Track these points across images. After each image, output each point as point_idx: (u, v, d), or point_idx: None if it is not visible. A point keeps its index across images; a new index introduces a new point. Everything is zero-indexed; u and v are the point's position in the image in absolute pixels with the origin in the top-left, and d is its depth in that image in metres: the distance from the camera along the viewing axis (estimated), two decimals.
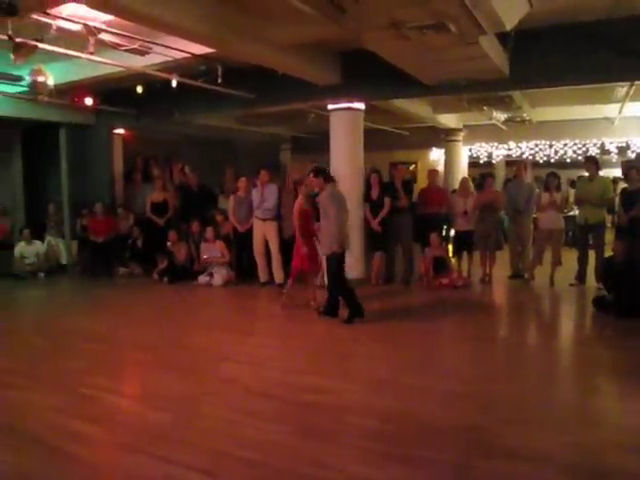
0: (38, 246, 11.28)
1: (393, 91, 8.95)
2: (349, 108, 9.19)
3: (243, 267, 9.83)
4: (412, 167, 16.82)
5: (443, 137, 15.22)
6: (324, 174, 7.05)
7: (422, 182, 12.21)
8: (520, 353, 5.96)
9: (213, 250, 9.79)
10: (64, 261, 11.72)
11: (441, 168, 14.64)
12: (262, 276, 9.42)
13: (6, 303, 9.07)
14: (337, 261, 6.99)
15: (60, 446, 3.79)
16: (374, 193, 9.14)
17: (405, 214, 9.18)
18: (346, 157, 9.31)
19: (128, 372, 5.77)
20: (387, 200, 9.01)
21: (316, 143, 13.84)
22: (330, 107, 9.31)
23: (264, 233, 9.31)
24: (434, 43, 6.06)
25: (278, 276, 9.32)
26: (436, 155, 17.10)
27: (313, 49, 7.76)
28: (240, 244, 9.72)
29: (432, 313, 7.67)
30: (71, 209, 11.77)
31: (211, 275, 9.74)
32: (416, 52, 6.61)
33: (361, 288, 8.94)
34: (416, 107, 11.82)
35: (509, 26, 5.99)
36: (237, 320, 7.59)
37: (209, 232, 9.80)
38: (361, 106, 9.27)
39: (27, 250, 11.15)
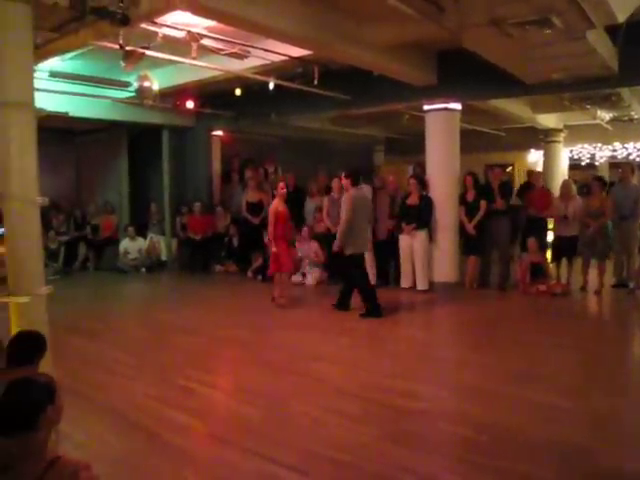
0: (141, 243, 11.87)
1: (491, 91, 8.71)
2: (445, 109, 9.03)
3: (337, 267, 9.83)
4: (509, 169, 16.23)
5: (542, 138, 14.58)
6: (353, 177, 7.41)
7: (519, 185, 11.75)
8: (622, 366, 5.61)
9: (307, 250, 9.89)
10: (164, 257, 12.24)
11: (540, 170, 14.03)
12: None
13: (111, 296, 9.57)
14: (350, 259, 7.42)
15: (158, 433, 3.97)
16: (469, 195, 8.91)
17: (503, 217, 8.85)
18: (442, 159, 9.14)
19: (223, 366, 5.96)
20: (483, 203, 8.76)
21: (410, 144, 13.70)
22: (426, 108, 9.17)
23: None
24: (537, 39, 5.81)
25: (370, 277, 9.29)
26: (534, 157, 16.40)
27: (409, 49, 7.67)
28: (332, 245, 9.72)
29: (528, 320, 7.37)
30: (171, 208, 12.24)
31: (304, 274, 9.85)
32: (517, 49, 6.37)
33: (454, 292, 8.80)
34: (514, 107, 11.41)
35: (622, 17, 5.62)
36: (329, 320, 7.60)
37: (304, 232, 9.91)
38: (457, 106, 9.08)
39: (131, 246, 11.77)
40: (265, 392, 4.82)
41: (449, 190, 9.05)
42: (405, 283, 9.01)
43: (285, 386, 4.95)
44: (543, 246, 8.77)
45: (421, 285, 8.82)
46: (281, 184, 8.14)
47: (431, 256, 8.98)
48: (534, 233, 8.75)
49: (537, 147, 15.61)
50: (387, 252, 9.35)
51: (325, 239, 9.92)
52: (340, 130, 13.99)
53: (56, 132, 13.58)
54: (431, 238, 8.92)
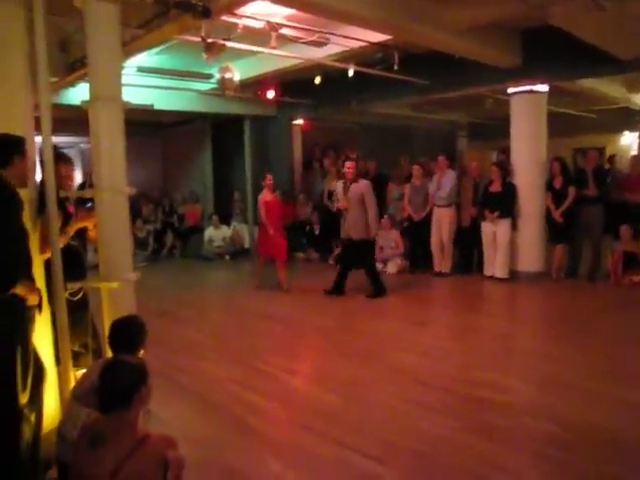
0: (224, 231, 12.20)
1: (581, 70, 8.25)
2: (531, 91, 8.63)
3: (418, 255, 9.73)
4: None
5: (638, 119, 13.77)
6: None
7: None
8: None
9: (388, 239, 9.84)
10: (247, 245, 12.51)
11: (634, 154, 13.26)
12: (437, 265, 9.28)
13: (197, 283, 9.88)
14: (371, 246, 8.07)
15: (240, 416, 4.10)
16: (557, 182, 8.55)
17: (596, 204, 8.37)
18: (527, 144, 8.79)
19: (304, 353, 6.03)
20: (571, 189, 8.38)
21: (494, 129, 13.28)
22: (510, 91, 8.82)
23: (440, 220, 9.16)
24: (634, 11, 5.45)
25: (445, 265, 9.19)
26: (628, 140, 15.53)
27: (492, 30, 7.39)
28: (415, 233, 9.65)
29: (619, 314, 6.99)
30: (254, 196, 12.44)
31: (384, 263, 9.81)
32: (611, 24, 6.02)
33: (539, 282, 8.50)
34: (607, 87, 10.79)
35: None
36: (411, 310, 7.55)
37: (384, 221, 9.86)
38: (544, 88, 8.66)
39: (215, 234, 12.13)
40: (346, 380, 4.85)
41: (535, 176, 8.71)
42: (488, 271, 8.79)
43: (366, 375, 4.96)
44: (637, 234, 8.28)
45: (501, 273, 8.59)
46: (269, 177, 8.77)
47: (515, 244, 8.70)
48: (628, 220, 8.30)
49: (632, 129, 14.77)
50: (470, 239, 9.17)
51: (407, 228, 9.85)
52: (421, 116, 13.76)
53: (143, 125, 14.12)
54: (514, 226, 8.64)
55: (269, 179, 8.76)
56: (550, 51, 7.86)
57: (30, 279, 3.05)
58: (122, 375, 2.54)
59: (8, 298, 2.90)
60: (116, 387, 2.50)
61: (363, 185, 7.86)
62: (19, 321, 3.02)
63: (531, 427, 3.85)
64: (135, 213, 13.23)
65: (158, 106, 9.93)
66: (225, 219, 12.50)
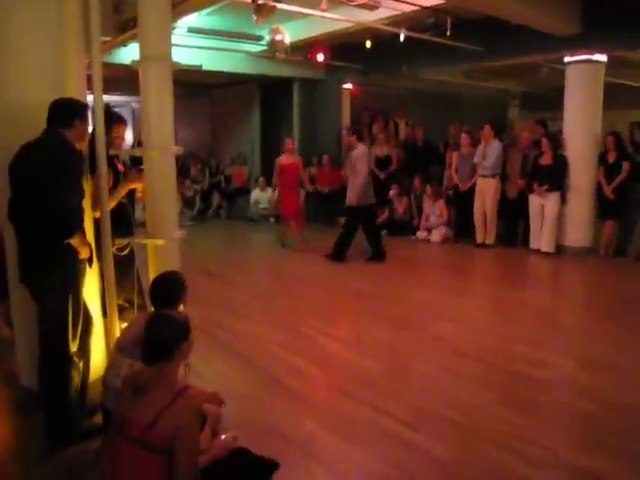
0: (270, 193, 12.26)
1: None
2: (589, 60, 8.31)
3: (463, 225, 9.62)
4: None
5: None
6: (357, 133, 8.19)
7: None
8: None
9: (434, 208, 9.77)
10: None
11: None
12: (479, 236, 9.18)
13: (242, 244, 10.03)
14: (355, 214, 8.13)
15: (278, 376, 4.20)
16: (610, 157, 8.29)
17: None
18: (582, 116, 8.50)
19: (345, 318, 6.09)
20: (625, 165, 8.12)
21: (547, 100, 12.85)
22: (567, 60, 8.50)
23: (484, 191, 9.02)
24: None
25: (489, 236, 9.08)
26: None
27: None
28: (461, 202, 9.53)
29: None
30: (302, 160, 12.44)
31: (429, 231, 9.76)
32: None
33: (586, 258, 8.32)
34: None
35: None
36: (453, 279, 7.50)
37: (429, 189, 9.78)
38: (603, 58, 8.32)
39: (261, 196, 12.25)
40: (385, 346, 4.91)
41: (588, 150, 8.45)
42: (534, 244, 8.65)
43: (405, 342, 5.01)
44: None
45: (547, 247, 8.44)
46: (289, 141, 9.29)
47: (563, 218, 8.52)
48: None
49: None
50: (517, 211, 9.01)
51: (453, 197, 9.74)
52: (473, 84, 13.42)
53: (193, 86, 14.21)
54: (564, 199, 8.44)
55: (289, 143, 9.19)
56: (610, 19, 7.54)
57: (83, 233, 3.20)
58: (166, 329, 2.64)
59: (64, 248, 3.05)
60: (160, 340, 2.60)
61: (358, 151, 8.00)
62: (72, 272, 3.17)
63: (568, 404, 3.82)
64: (184, 173, 13.47)
65: (207, 67, 9.94)
66: (271, 182, 12.55)
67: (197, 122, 15.79)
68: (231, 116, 14.42)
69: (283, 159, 9.13)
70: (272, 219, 11.99)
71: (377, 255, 8.17)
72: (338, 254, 8.13)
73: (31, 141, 3.07)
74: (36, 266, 3.10)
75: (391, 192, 10.38)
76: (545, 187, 8.32)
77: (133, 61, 3.44)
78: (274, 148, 13.07)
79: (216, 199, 13.02)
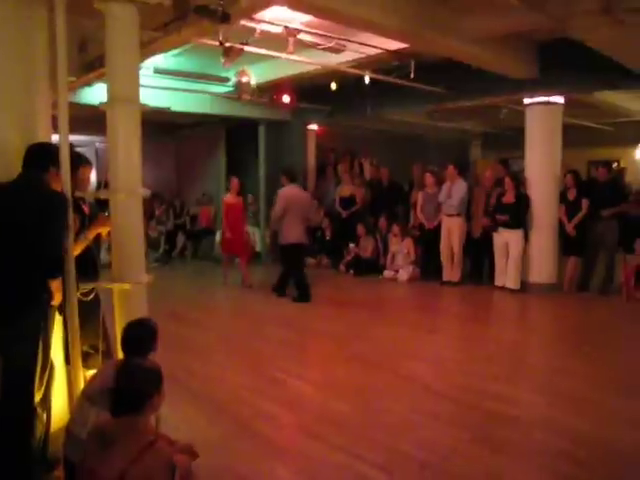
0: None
1: (598, 83, 8.17)
2: (547, 102, 8.60)
3: (429, 264, 9.68)
4: (614, 165, 15.25)
5: None
6: (286, 174, 8.36)
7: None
8: None
9: (400, 247, 9.83)
10: (258, 248, 12.50)
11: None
12: (446, 274, 9.24)
13: (208, 286, 9.85)
14: (281, 252, 8.50)
15: (249, 421, 4.10)
16: (570, 194, 8.50)
17: (610, 218, 8.30)
18: (542, 155, 8.74)
19: (314, 360, 6.02)
20: (585, 202, 8.33)
21: (508, 139, 13.24)
22: (526, 101, 8.78)
23: (450, 230, 9.13)
24: None
25: (455, 275, 9.14)
26: None
27: (509, 40, 7.35)
28: (427, 240, 9.62)
29: (631, 328, 6.93)
30: (267, 200, 12.44)
31: (397, 270, 9.79)
32: (629, 37, 5.96)
33: (550, 294, 8.44)
34: (624, 100, 10.73)
35: None
36: (422, 318, 7.52)
37: (395, 229, 9.85)
38: (560, 100, 8.62)
39: None
40: (355, 387, 4.84)
41: (549, 188, 8.66)
42: (499, 281, 8.76)
43: (375, 382, 4.95)
44: None
45: (512, 284, 8.55)
46: (234, 180, 9.45)
47: (527, 255, 8.65)
48: None
49: None
50: (481, 249, 9.14)
51: (419, 235, 9.83)
52: (436, 124, 13.74)
53: (158, 126, 14.15)
54: (526, 237, 8.59)
55: (234, 182, 9.42)
56: (567, 63, 7.80)
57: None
58: (137, 380, 2.55)
59: (41, 292, 2.97)
60: (130, 392, 2.51)
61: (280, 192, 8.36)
62: (45, 316, 3.07)
63: (542, 441, 3.80)
64: (147, 213, 13.34)
65: (175, 108, 9.97)
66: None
67: (162, 162, 15.71)
68: (197, 156, 14.40)
69: (228, 198, 9.42)
70: (237, 259, 11.87)
71: (302, 296, 8.16)
72: (280, 288, 8.39)
73: (6, 183, 3.02)
74: (8, 311, 2.96)
75: (358, 231, 10.44)
76: (505, 217, 8.47)
77: (101, 102, 3.40)
78: (240, 188, 13.08)
79: (181, 240, 12.88)
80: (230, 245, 9.39)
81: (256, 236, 12.55)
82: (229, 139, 13.47)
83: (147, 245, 11.95)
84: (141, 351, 3.08)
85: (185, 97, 10.08)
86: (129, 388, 2.54)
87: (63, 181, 3.21)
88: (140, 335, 3.14)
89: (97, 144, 13.14)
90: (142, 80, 8.44)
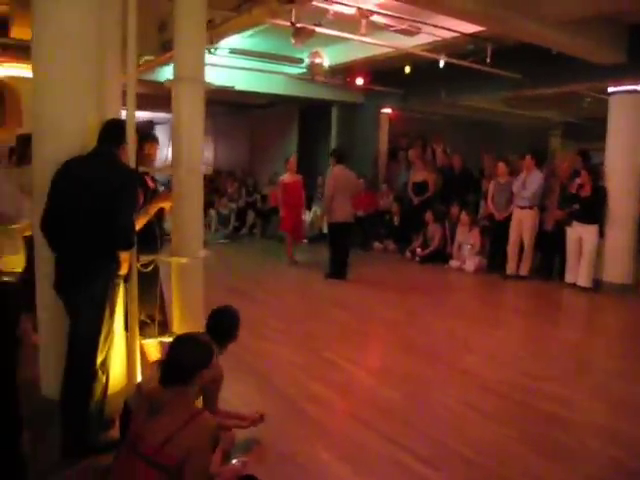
0: (305, 215, 12.26)
1: None
2: (634, 91, 8.13)
3: (498, 255, 9.44)
4: None
5: None
6: (335, 155, 8.63)
7: None
8: None
9: (468, 236, 9.64)
10: (325, 230, 12.53)
11: None
12: (509, 267, 8.97)
13: (273, 264, 9.97)
14: (329, 230, 8.59)
15: (299, 402, 4.13)
16: None
17: None
18: (624, 147, 8.30)
19: (371, 345, 5.99)
20: None
21: (590, 130, 12.67)
22: (611, 90, 8.34)
23: (521, 222, 8.85)
24: None
25: (524, 268, 8.87)
26: None
27: (594, 24, 6.98)
28: (497, 232, 9.37)
29: None
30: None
31: (463, 260, 9.62)
32: None
33: (625, 295, 8.06)
34: None
35: None
36: (484, 310, 7.37)
37: (464, 217, 9.66)
38: None
39: None
40: (408, 377, 4.81)
41: (630, 182, 8.24)
42: (569, 278, 8.42)
43: (430, 374, 4.88)
44: None
45: (584, 282, 8.18)
46: (292, 159, 9.59)
47: (601, 252, 8.28)
48: None
49: None
50: (553, 243, 8.80)
51: (488, 226, 9.60)
52: (513, 112, 13.31)
53: (234, 106, 14.45)
54: (602, 233, 8.22)
55: (291, 161, 9.49)
56: None
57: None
58: (188, 354, 2.64)
59: (109, 262, 3.14)
60: (181, 364, 2.60)
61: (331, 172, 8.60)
62: (112, 285, 3.22)
63: (594, 449, 3.65)
64: (221, 191, 13.65)
65: (243, 87, 10.11)
66: (307, 203, 12.59)
67: (236, 141, 16.03)
68: (270, 136, 14.58)
69: (286, 178, 9.47)
70: (305, 240, 11.97)
71: (336, 273, 8.31)
72: (335, 272, 8.34)
73: (82, 157, 3.19)
74: (80, 277, 3.13)
75: (427, 218, 10.29)
76: (577, 206, 8.17)
77: (166, 80, 3.49)
78: (311, 170, 13.15)
79: (251, 218, 13.10)
80: (285, 223, 9.57)
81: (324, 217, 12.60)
82: (302, 120, 13.56)
83: (217, 221, 12.29)
84: (225, 337, 3.32)
85: (259, 77, 10.20)
86: (179, 360, 2.63)
87: (128, 156, 3.34)
88: (227, 322, 3.38)
89: None
90: (218, 60, 8.66)
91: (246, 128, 15.76)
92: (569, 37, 6.99)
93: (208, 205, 12.84)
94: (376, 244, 11.52)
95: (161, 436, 2.41)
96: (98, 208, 3.05)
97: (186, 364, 2.60)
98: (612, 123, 8.47)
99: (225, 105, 14.82)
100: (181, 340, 2.76)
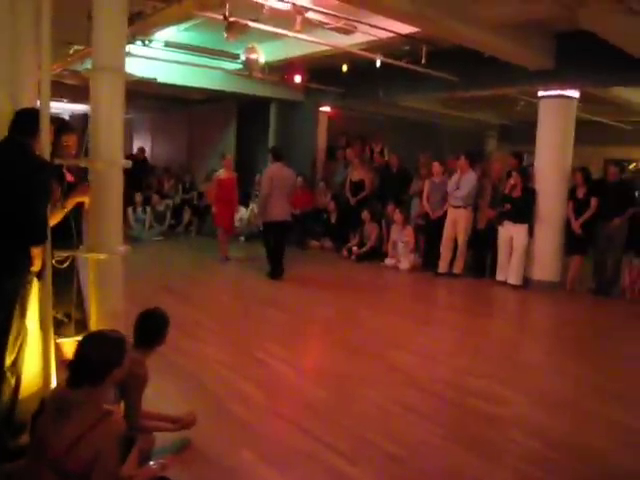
0: (242, 212, 12.14)
1: (614, 77, 7.98)
2: (561, 96, 8.41)
3: (432, 254, 9.55)
4: (632, 166, 14.94)
5: None
6: (272, 152, 8.67)
7: None
8: None
9: (402, 234, 9.73)
10: (262, 228, 12.44)
11: None
12: (441, 265, 9.11)
13: (208, 262, 9.79)
14: (265, 229, 8.56)
15: (225, 402, 4.07)
16: (580, 192, 8.34)
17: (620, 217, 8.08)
18: (553, 149, 8.57)
19: (301, 343, 5.93)
20: (594, 201, 8.16)
21: (524, 132, 12.99)
22: (540, 94, 8.60)
23: (455, 221, 9.00)
24: None
25: (457, 266, 9.05)
26: None
27: (524, 29, 7.17)
28: (431, 230, 9.50)
29: (632, 331, 6.81)
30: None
31: (398, 258, 9.70)
32: None
33: (552, 292, 8.32)
34: None
35: None
36: (416, 308, 7.45)
37: (398, 216, 9.75)
38: (575, 94, 8.43)
39: None
40: (337, 374, 4.81)
41: (557, 184, 8.50)
42: (500, 276, 8.63)
43: (358, 370, 4.90)
44: None
45: (514, 280, 8.41)
46: (228, 158, 9.95)
47: (531, 251, 8.51)
48: None
49: None
50: (485, 242, 9.00)
51: (423, 225, 9.73)
52: (450, 113, 13.56)
53: (172, 101, 14.16)
54: (531, 233, 8.45)
55: (228, 160, 9.83)
56: (584, 56, 7.60)
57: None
58: (98, 351, 2.52)
59: (21, 257, 2.97)
60: (90, 362, 2.48)
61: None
62: (23, 282, 3.06)
63: (517, 442, 3.72)
64: (157, 187, 13.37)
65: (184, 82, 9.94)
66: (244, 200, 12.45)
67: (174, 137, 15.76)
68: (208, 133, 14.38)
69: (221, 174, 9.61)
70: (242, 238, 11.86)
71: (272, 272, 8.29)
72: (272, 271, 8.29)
73: None
74: None
75: (363, 216, 10.34)
76: (509, 206, 8.36)
77: (84, 69, 3.35)
78: (249, 167, 13.04)
79: (187, 215, 12.87)
80: (218, 218, 9.63)
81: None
82: (240, 117, 13.43)
83: (153, 218, 12.02)
84: (153, 341, 3.31)
85: (196, 72, 10.02)
86: (89, 358, 2.51)
87: (42, 147, 3.18)
88: (154, 325, 3.34)
89: None
90: (152, 53, 8.45)
91: (184, 124, 15.50)
92: (501, 41, 7.15)
93: (144, 202, 12.56)
94: (313, 242, 11.50)
95: (66, 441, 2.31)
96: (7, 200, 2.90)
97: (95, 363, 2.48)
98: (541, 126, 8.73)
99: (163, 100, 14.53)
100: (90, 338, 2.64)
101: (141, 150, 14.42)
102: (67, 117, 15.20)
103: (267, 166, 8.65)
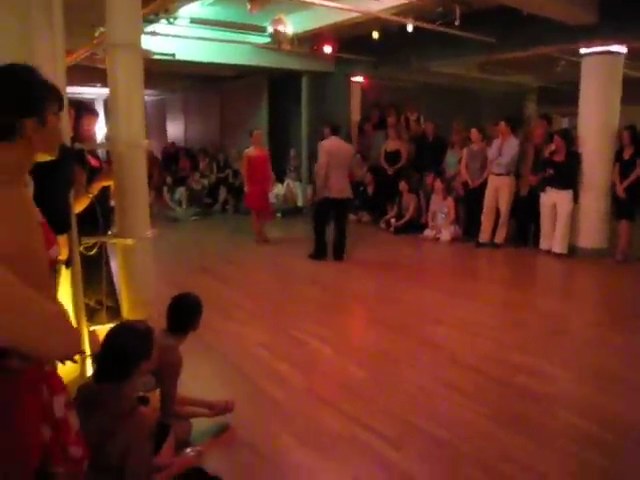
0: (278, 188, 12.05)
1: None
2: (606, 52, 7.93)
3: (473, 224, 9.28)
4: None
5: None
6: (329, 125, 7.91)
7: None
8: None
9: (442, 205, 9.48)
10: (299, 203, 12.35)
11: None
12: (483, 235, 8.84)
13: (245, 240, 9.70)
14: (320, 206, 7.96)
15: (261, 384, 3.99)
16: (626, 153, 7.92)
17: None
18: (598, 111, 8.13)
19: (341, 322, 5.75)
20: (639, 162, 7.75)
21: (566, 94, 12.47)
22: (583, 51, 8.14)
23: (497, 189, 8.69)
24: None
25: (499, 236, 8.75)
26: None
27: None
28: (471, 200, 9.22)
29: None
30: (309, 154, 12.18)
31: (438, 230, 9.46)
32: None
33: (599, 260, 7.96)
34: None
35: None
36: (457, 281, 7.22)
37: (438, 185, 9.48)
38: (622, 49, 7.94)
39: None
40: (376, 352, 4.68)
41: (603, 146, 8.08)
42: (544, 245, 8.31)
43: (399, 349, 4.74)
44: None
45: (559, 248, 8.07)
46: (256, 133, 9.18)
47: (576, 218, 8.16)
48: None
49: None
50: (528, 210, 8.66)
51: (463, 194, 9.45)
52: (488, 77, 13.06)
53: (203, 79, 14.04)
54: (576, 198, 8.08)
55: (256, 135, 9.11)
56: (630, 7, 7.14)
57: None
58: (125, 345, 2.46)
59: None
60: (116, 356, 2.43)
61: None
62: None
63: (567, 423, 3.52)
64: (193, 166, 13.36)
65: (213, 59, 9.78)
66: (279, 176, 12.33)
67: (207, 116, 15.69)
68: (240, 110, 14.23)
69: (250, 151, 8.98)
70: (279, 214, 11.75)
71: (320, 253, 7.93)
72: (320, 253, 7.96)
73: None
74: None
75: (401, 187, 10.10)
76: (551, 171, 8.01)
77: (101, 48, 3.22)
78: (282, 142, 12.88)
79: (223, 194, 12.82)
80: (249, 198, 9.15)
81: (297, 191, 12.39)
82: (271, 91, 13.23)
83: (190, 198, 12.03)
84: (186, 326, 3.26)
85: (224, 48, 9.82)
86: (117, 352, 2.45)
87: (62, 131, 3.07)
88: (187, 310, 3.28)
89: None
90: (178, 31, 8.31)
91: (216, 102, 15.39)
92: None
93: (179, 181, 12.57)
94: (350, 215, 11.30)
95: (96, 435, 2.24)
96: (40, 189, 2.81)
97: (122, 356, 2.41)
98: (584, 86, 8.29)
99: (194, 79, 14.44)
100: (117, 330, 2.56)
101: (171, 144, 15.33)
102: (101, 101, 15.31)
103: (308, 141, 8.25)
